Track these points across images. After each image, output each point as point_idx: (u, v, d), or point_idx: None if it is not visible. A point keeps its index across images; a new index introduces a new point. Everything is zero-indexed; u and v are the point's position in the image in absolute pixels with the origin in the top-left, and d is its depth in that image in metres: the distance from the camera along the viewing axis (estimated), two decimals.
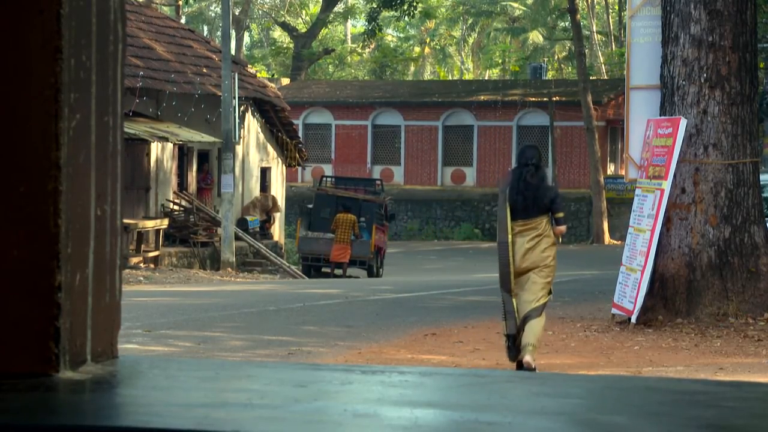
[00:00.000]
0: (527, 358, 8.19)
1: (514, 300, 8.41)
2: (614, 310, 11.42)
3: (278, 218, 26.61)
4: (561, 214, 8.45)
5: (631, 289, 11.07)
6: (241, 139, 24.27)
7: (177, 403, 0.99)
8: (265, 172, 26.57)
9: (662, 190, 11.08)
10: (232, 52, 28.01)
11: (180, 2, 33.59)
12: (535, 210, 8.35)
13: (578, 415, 0.97)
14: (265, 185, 26.50)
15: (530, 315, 8.30)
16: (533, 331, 8.28)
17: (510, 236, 8.38)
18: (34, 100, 1.07)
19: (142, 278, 18.18)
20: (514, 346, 8.40)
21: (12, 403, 0.96)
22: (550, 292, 8.45)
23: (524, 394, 1.08)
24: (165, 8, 35.06)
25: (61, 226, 1.07)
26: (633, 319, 10.87)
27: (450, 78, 52.84)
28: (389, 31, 55.79)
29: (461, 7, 52.98)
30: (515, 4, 50.09)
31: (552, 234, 8.41)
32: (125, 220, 17.89)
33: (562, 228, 8.49)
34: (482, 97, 37.59)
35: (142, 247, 20.62)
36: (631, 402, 1.06)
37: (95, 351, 1.14)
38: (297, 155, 27.16)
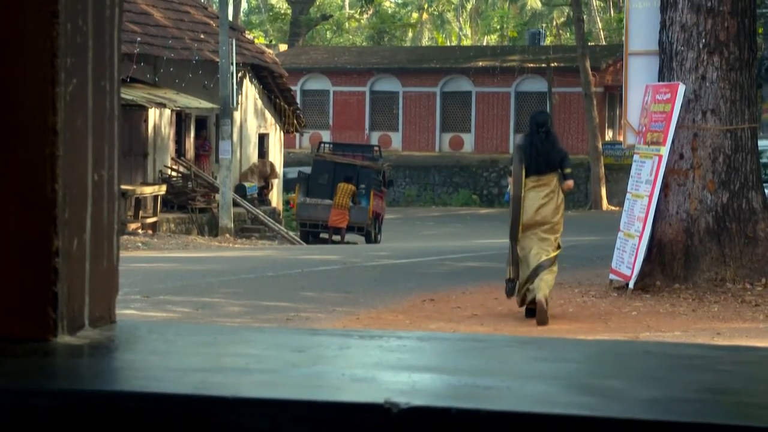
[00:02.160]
0: (540, 297, 9.09)
1: (519, 250, 9.31)
2: (612, 276, 11.44)
3: (276, 184, 26.61)
4: (569, 171, 9.49)
5: (629, 255, 11.09)
6: (239, 106, 24.21)
7: (175, 368, 0.99)
8: (263, 139, 26.53)
9: (660, 156, 11.07)
10: (230, 18, 27.86)
11: None
12: (546, 168, 9.35)
13: (576, 380, 0.98)
14: (263, 151, 26.47)
15: (542, 266, 9.17)
16: (546, 282, 9.16)
17: (523, 191, 9.29)
18: (30, 65, 1.06)
19: (140, 244, 18.19)
20: (514, 286, 9.39)
21: (10, 368, 0.96)
22: (559, 247, 9.38)
23: (522, 359, 1.08)
24: None
25: (58, 192, 1.07)
26: (631, 285, 10.90)
27: (448, 44, 52.65)
28: None
29: None
30: None
31: (562, 192, 9.39)
32: (123, 186, 17.89)
33: (570, 182, 9.46)
34: (480, 64, 37.48)
35: (140, 213, 20.63)
36: (629, 366, 1.07)
37: (93, 316, 1.14)
38: (295, 121, 27.12)
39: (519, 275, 9.29)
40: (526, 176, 9.31)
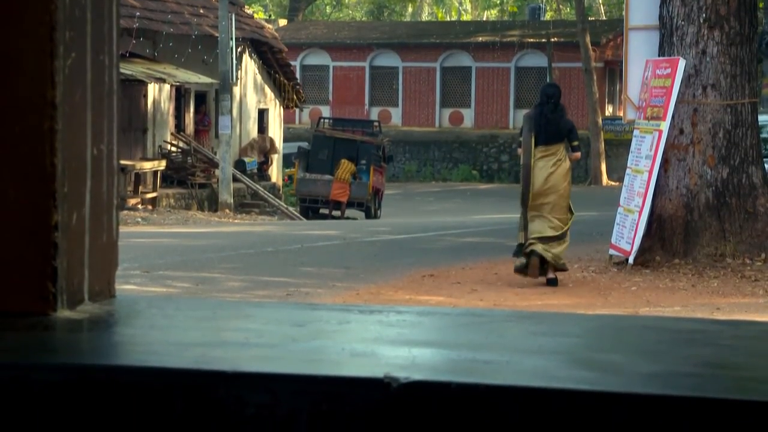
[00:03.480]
0: (550, 274, 9.90)
1: (530, 218, 9.90)
2: (612, 251, 11.45)
3: (276, 160, 26.58)
4: (576, 143, 10.10)
5: (629, 230, 11.10)
6: (239, 81, 24.15)
7: (174, 342, 0.99)
8: (262, 114, 26.48)
9: (660, 131, 11.05)
10: None
11: None
12: (554, 138, 9.88)
13: (575, 354, 0.98)
14: (262, 127, 26.42)
15: (553, 240, 9.79)
16: (555, 253, 9.82)
17: (532, 160, 9.83)
18: (28, 39, 1.06)
19: (139, 219, 18.20)
20: (521, 252, 9.92)
21: (9, 342, 0.96)
22: (571, 212, 9.99)
23: (522, 333, 1.08)
24: None
25: (57, 166, 1.06)
26: (630, 260, 10.91)
27: (448, 19, 52.45)
28: None
29: None
30: None
31: (568, 161, 9.95)
32: (122, 162, 17.88)
33: (578, 154, 10.09)
34: (480, 39, 37.35)
35: (140, 188, 20.62)
36: (628, 341, 1.07)
37: (93, 290, 1.14)
38: (294, 97, 27.05)
39: (528, 239, 9.86)
40: (535, 146, 9.82)
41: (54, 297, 1.06)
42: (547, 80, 34.84)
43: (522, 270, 9.94)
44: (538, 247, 9.71)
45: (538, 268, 9.83)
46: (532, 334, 1.07)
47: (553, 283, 9.92)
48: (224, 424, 0.85)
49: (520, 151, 10.14)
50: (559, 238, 9.78)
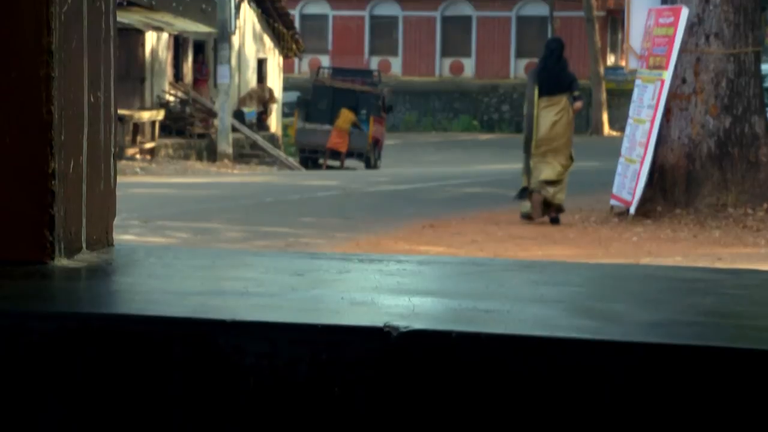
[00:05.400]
0: (552, 213, 10.62)
1: (534, 163, 10.64)
2: (613, 202, 11.45)
3: (275, 110, 26.50)
4: (578, 93, 10.80)
5: (630, 180, 11.09)
6: (237, 30, 24.00)
7: (173, 291, 0.98)
8: (261, 63, 26.36)
9: (662, 81, 11.00)
10: None
11: None
12: (557, 89, 10.57)
13: (577, 303, 0.97)
14: (261, 76, 26.31)
15: (552, 184, 10.49)
16: (555, 195, 10.54)
17: (535, 110, 10.55)
18: None
19: (138, 169, 18.19)
20: (524, 194, 10.76)
21: (7, 291, 0.96)
22: (571, 158, 10.66)
23: (523, 283, 1.08)
24: None
25: (53, 113, 1.05)
26: (632, 210, 10.91)
27: None
28: None
29: None
30: None
31: (571, 111, 10.62)
32: (120, 111, 17.82)
33: (579, 103, 10.82)
34: None
35: (138, 138, 20.58)
36: (630, 290, 1.06)
37: (90, 239, 1.14)
38: (294, 46, 26.91)
39: (531, 183, 10.66)
40: (540, 96, 10.53)
41: (51, 245, 1.06)
42: (549, 30, 34.68)
43: (527, 216, 10.68)
44: (543, 189, 10.49)
45: (541, 209, 10.60)
46: (533, 283, 1.07)
47: (555, 221, 10.62)
48: (223, 373, 0.85)
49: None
50: (559, 182, 10.52)
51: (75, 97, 1.09)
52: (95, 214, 1.14)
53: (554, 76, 10.59)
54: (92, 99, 1.13)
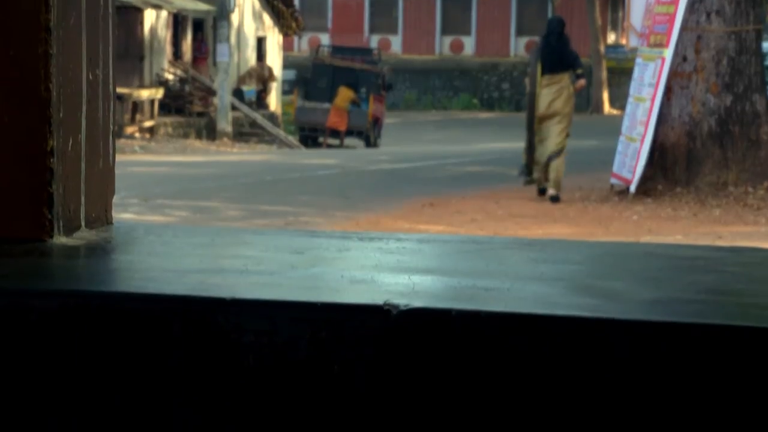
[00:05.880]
0: (551, 191, 10.79)
1: (536, 140, 10.95)
2: (613, 180, 11.44)
3: (274, 88, 26.44)
4: (580, 71, 11.00)
5: (631, 159, 11.08)
6: (237, 8, 23.93)
7: (173, 269, 0.98)
8: (260, 42, 26.28)
9: (663, 59, 10.98)
10: None
11: None
12: (559, 67, 10.79)
13: (577, 281, 0.97)
14: (261, 55, 26.24)
15: (552, 156, 10.75)
16: (555, 169, 10.80)
17: (538, 89, 10.79)
18: None
19: (137, 148, 18.17)
20: (527, 169, 11.13)
21: (6, 269, 0.96)
22: (567, 135, 10.88)
23: (523, 260, 1.08)
24: None
25: (52, 91, 1.05)
26: (632, 189, 10.91)
27: None
28: None
29: None
30: None
31: (572, 88, 10.85)
32: (119, 90, 17.78)
33: (582, 81, 11.07)
34: None
35: (137, 116, 20.55)
36: (630, 267, 1.06)
37: (89, 217, 1.13)
38: (293, 24, 26.83)
39: (533, 160, 10.97)
40: (542, 74, 10.77)
41: (50, 223, 1.05)
42: (549, 8, 34.58)
43: (530, 182, 11.15)
44: (553, 190, 10.81)
45: (544, 179, 11.02)
46: (533, 261, 1.07)
47: (555, 199, 10.77)
48: (223, 351, 0.85)
49: (527, 80, 11.45)
50: (559, 153, 10.81)
51: (73, 75, 1.09)
52: (94, 192, 1.14)
53: (556, 55, 10.78)
54: (91, 77, 1.12)
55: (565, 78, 10.81)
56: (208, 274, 0.95)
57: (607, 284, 0.96)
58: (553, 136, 10.80)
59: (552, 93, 10.78)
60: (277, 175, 13.47)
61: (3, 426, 0.86)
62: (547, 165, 10.88)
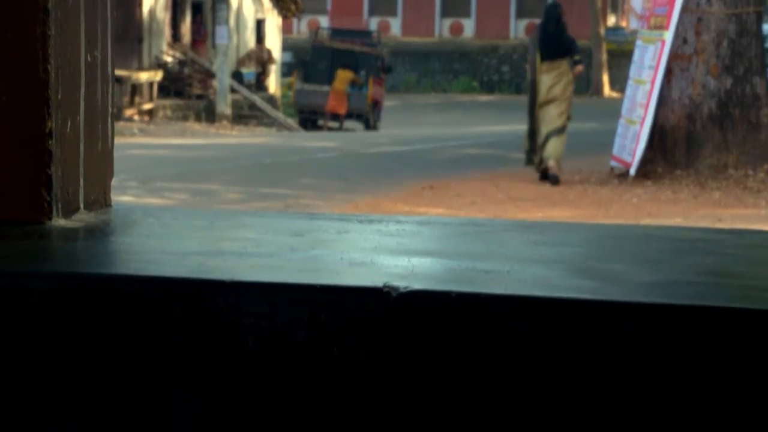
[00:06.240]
0: (551, 163, 10.95)
1: (535, 125, 11.18)
2: (613, 163, 11.44)
3: (273, 71, 26.39)
4: (578, 57, 11.18)
5: (631, 142, 11.07)
6: None
7: (172, 251, 0.98)
8: (260, 24, 26.22)
9: (664, 41, 10.95)
10: None
11: None
12: (557, 53, 10.97)
13: (577, 263, 0.97)
14: (260, 37, 26.18)
15: (551, 134, 10.94)
16: (554, 146, 10.96)
17: (538, 76, 11.01)
18: None
19: (136, 131, 18.15)
20: (531, 154, 11.34)
21: (4, 251, 0.96)
22: (568, 118, 11.07)
23: (522, 243, 1.07)
24: None
25: (50, 72, 1.04)
26: (632, 172, 10.90)
27: None
28: None
29: None
30: None
31: (570, 73, 11.02)
32: (118, 72, 17.74)
33: (580, 67, 11.18)
34: None
35: (136, 99, 20.51)
36: (630, 250, 1.06)
37: (88, 199, 1.13)
38: (292, 6, 26.76)
39: (535, 145, 11.21)
40: (541, 61, 10.97)
41: (49, 205, 1.05)
42: None
43: (531, 162, 11.33)
44: (552, 161, 10.96)
45: (557, 176, 11.07)
46: (533, 243, 1.06)
47: (555, 180, 10.89)
48: (222, 334, 0.85)
49: (528, 67, 11.60)
50: (560, 131, 10.98)
51: (72, 57, 1.08)
52: (93, 174, 1.14)
53: (554, 41, 10.96)
54: (89, 58, 1.12)
55: (563, 64, 10.99)
56: (207, 257, 0.95)
57: (607, 266, 0.96)
58: (552, 117, 11.00)
59: (551, 79, 10.95)
60: (277, 157, 13.46)
61: (2, 406, 0.86)
62: (545, 142, 11.05)
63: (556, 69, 10.98)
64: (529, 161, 11.47)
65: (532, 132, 11.23)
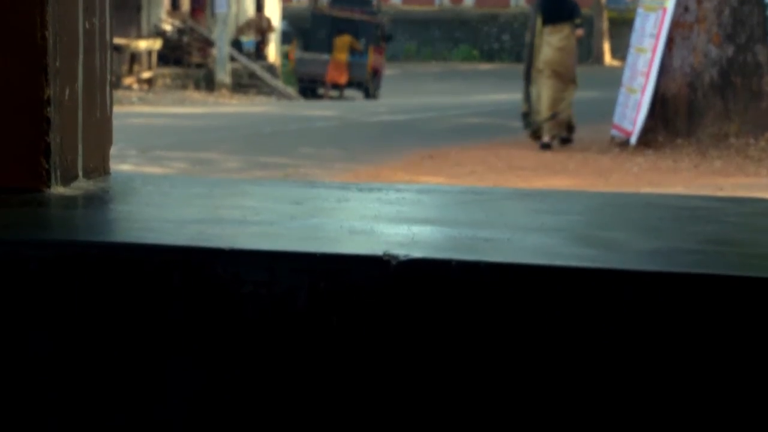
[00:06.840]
0: (546, 140, 11.13)
1: (531, 90, 11.47)
2: (614, 132, 11.42)
3: (273, 39, 26.30)
4: (579, 21, 11.38)
5: (632, 110, 11.05)
6: None
7: (171, 219, 0.98)
8: None
9: (665, 9, 10.91)
10: None
11: None
12: (559, 18, 11.19)
13: (577, 231, 0.97)
14: (259, 5, 26.07)
15: (557, 112, 11.16)
16: (566, 112, 11.25)
17: (537, 40, 11.26)
18: None
19: (135, 99, 18.11)
20: (527, 120, 11.57)
21: (4, 219, 0.95)
22: (575, 82, 11.30)
23: (523, 211, 1.07)
24: None
25: (48, 39, 1.04)
26: (633, 141, 10.89)
27: None
28: None
29: None
30: None
31: (574, 39, 11.25)
32: (117, 40, 17.69)
33: (580, 31, 11.44)
34: None
35: (135, 68, 20.45)
36: (631, 218, 1.06)
37: (87, 167, 1.13)
38: None
39: (533, 109, 11.39)
40: (544, 25, 11.17)
41: (47, 173, 1.05)
42: None
43: (528, 125, 11.52)
44: (547, 137, 11.23)
45: (559, 129, 11.36)
46: (534, 211, 1.06)
47: (547, 147, 11.11)
48: (222, 302, 0.84)
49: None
50: (564, 99, 11.24)
51: (70, 24, 1.08)
52: (92, 142, 1.13)
53: (556, 5, 11.14)
54: (87, 26, 1.11)
55: (566, 28, 11.18)
56: (206, 225, 0.95)
57: (608, 234, 0.96)
58: (559, 92, 11.16)
59: (555, 41, 11.14)
60: (276, 126, 13.43)
61: (2, 376, 0.86)
62: (552, 117, 11.16)
63: (559, 32, 11.14)
64: (527, 125, 11.62)
65: (528, 94, 11.45)
